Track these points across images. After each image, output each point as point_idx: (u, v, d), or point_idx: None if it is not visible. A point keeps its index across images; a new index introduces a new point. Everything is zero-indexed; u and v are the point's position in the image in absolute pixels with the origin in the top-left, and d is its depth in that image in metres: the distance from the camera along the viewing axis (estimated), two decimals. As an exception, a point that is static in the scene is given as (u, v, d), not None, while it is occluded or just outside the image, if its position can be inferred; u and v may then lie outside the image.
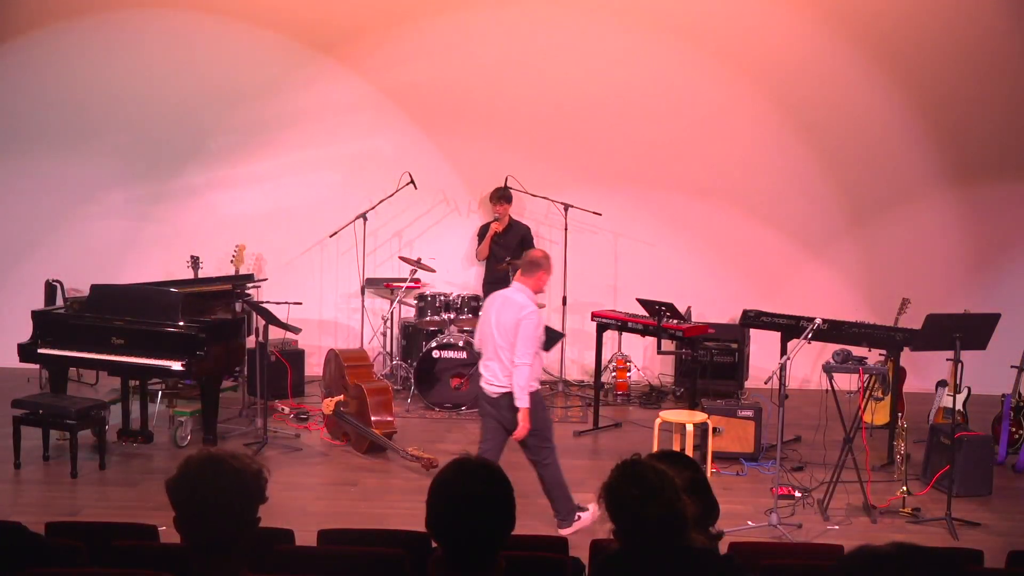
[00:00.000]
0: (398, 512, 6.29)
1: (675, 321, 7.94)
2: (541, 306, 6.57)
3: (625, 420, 8.63)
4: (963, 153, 9.79)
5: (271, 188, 10.01)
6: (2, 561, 3.25)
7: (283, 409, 8.57)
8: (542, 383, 9.52)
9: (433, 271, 9.38)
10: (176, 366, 7.17)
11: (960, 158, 9.80)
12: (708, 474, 6.65)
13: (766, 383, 6.53)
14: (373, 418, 7.57)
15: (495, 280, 9.29)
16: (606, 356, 9.18)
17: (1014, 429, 7.59)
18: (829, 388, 6.51)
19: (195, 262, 9.03)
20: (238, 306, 7.91)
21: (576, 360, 9.91)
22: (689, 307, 8.72)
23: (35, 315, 7.63)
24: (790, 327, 7.75)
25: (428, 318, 9.01)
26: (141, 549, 4.14)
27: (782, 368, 6.37)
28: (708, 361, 8.77)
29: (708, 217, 9.88)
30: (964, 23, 9.61)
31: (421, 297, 9.19)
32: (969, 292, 9.48)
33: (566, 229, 9.55)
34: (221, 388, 7.71)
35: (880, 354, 7.95)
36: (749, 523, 6.22)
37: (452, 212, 10.03)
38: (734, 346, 9.21)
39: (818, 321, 6.78)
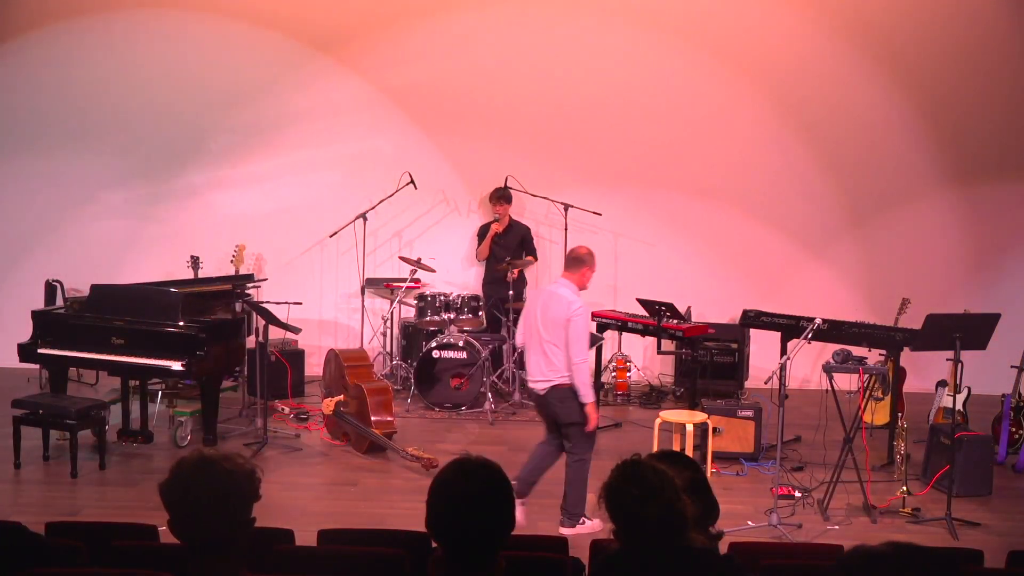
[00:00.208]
0: (398, 512, 6.29)
1: (675, 321, 7.95)
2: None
3: (625, 420, 8.63)
4: (963, 153, 9.79)
5: (271, 188, 10.01)
6: (2, 561, 3.25)
7: (283, 409, 8.57)
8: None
9: (433, 271, 9.38)
10: (176, 366, 7.17)
11: (960, 158, 9.80)
12: (708, 474, 6.65)
13: (766, 383, 6.53)
14: (373, 418, 7.57)
15: (495, 280, 9.30)
16: (606, 356, 9.19)
17: (1014, 429, 7.59)
18: (829, 388, 6.51)
19: (195, 262, 9.04)
20: (238, 306, 7.90)
21: (576, 360, 9.90)
22: (689, 307, 8.72)
23: (35, 315, 7.63)
24: (790, 327, 7.75)
25: (428, 318, 9.01)
26: (141, 549, 4.14)
27: (782, 368, 6.36)
28: (708, 361, 8.78)
29: (708, 217, 9.89)
30: (964, 23, 9.61)
31: (421, 297, 9.19)
32: (969, 292, 9.48)
33: (566, 229, 9.55)
34: (221, 388, 7.71)
35: (880, 354, 7.95)
36: (749, 523, 6.22)
37: (452, 212, 10.03)
38: (734, 346, 9.21)
39: (818, 321, 6.78)
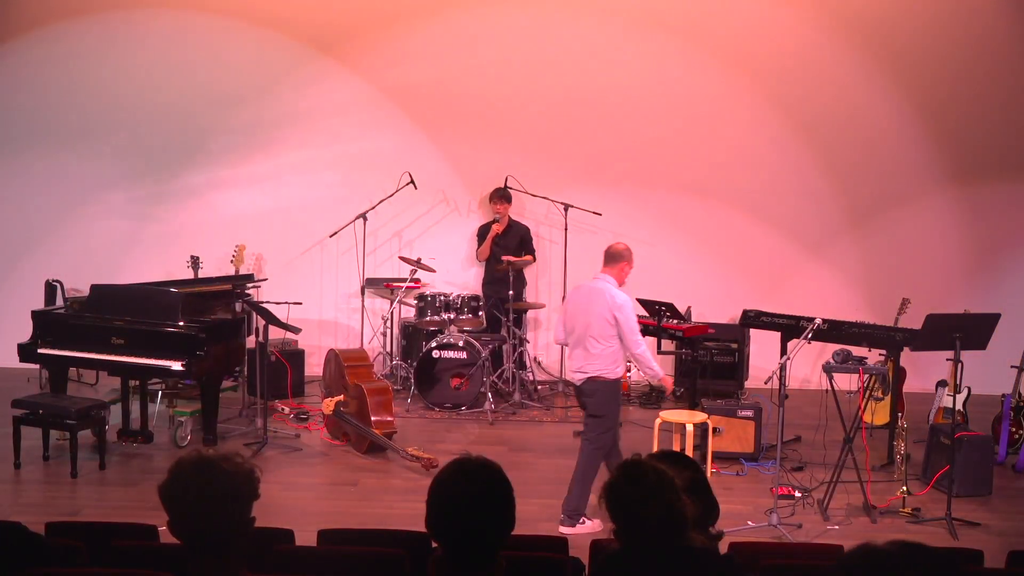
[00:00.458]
0: (398, 512, 6.29)
1: (675, 321, 7.94)
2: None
3: (625, 420, 8.58)
4: (963, 153, 9.79)
5: (271, 188, 10.01)
6: (2, 561, 3.25)
7: (283, 409, 8.57)
8: (543, 383, 9.60)
9: (433, 271, 9.38)
10: (176, 366, 7.17)
11: (960, 158, 9.80)
12: (708, 474, 6.65)
13: (766, 383, 6.52)
14: (373, 418, 7.57)
15: (495, 280, 9.30)
16: (606, 356, 9.17)
17: (1014, 429, 7.59)
18: (829, 388, 6.51)
19: (195, 262, 9.04)
20: (238, 306, 7.90)
21: (576, 360, 9.90)
22: (689, 307, 8.72)
23: (35, 315, 7.63)
24: (790, 327, 7.75)
25: (428, 318, 9.01)
26: (141, 549, 4.14)
27: (782, 368, 6.36)
28: (708, 361, 8.77)
29: (708, 217, 9.89)
30: (964, 23, 9.61)
31: (421, 297, 9.19)
32: (969, 292, 9.48)
33: (566, 229, 9.55)
34: (221, 388, 7.71)
35: (880, 354, 7.95)
36: (749, 523, 6.22)
37: (452, 212, 10.03)
38: (734, 346, 9.21)
39: (818, 321, 6.77)
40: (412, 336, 9.32)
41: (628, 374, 9.42)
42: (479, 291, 9.49)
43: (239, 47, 9.86)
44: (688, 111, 9.84)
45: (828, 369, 6.63)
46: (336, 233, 9.58)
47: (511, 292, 8.88)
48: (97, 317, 7.41)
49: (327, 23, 9.83)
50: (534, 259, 9.63)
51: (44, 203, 10.02)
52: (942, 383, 7.90)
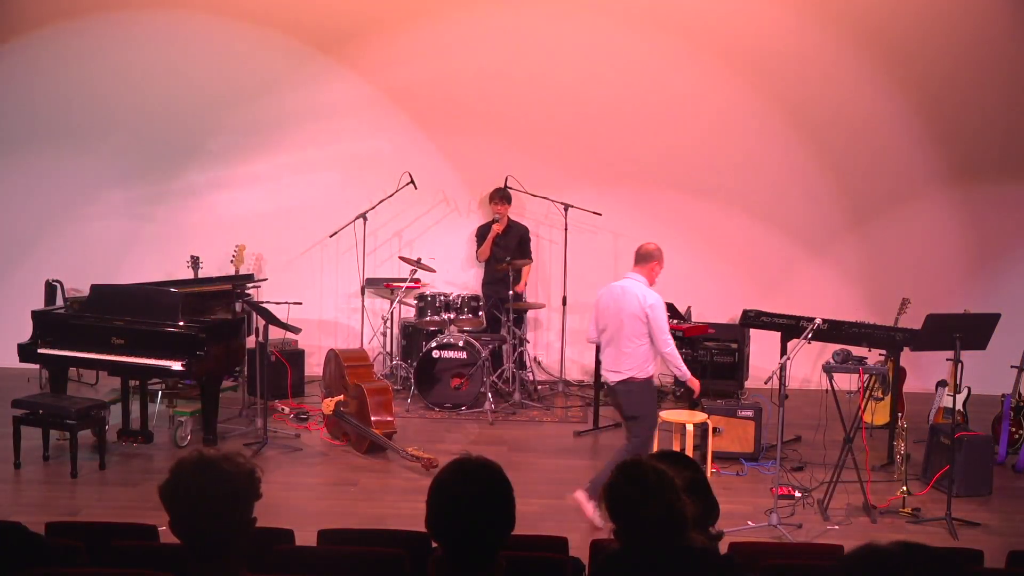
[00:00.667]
0: (398, 512, 6.29)
1: (675, 321, 7.95)
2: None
3: (625, 420, 8.62)
4: (963, 153, 9.79)
5: (271, 188, 10.01)
6: (2, 561, 3.24)
7: (283, 409, 8.57)
8: (543, 383, 9.60)
9: (433, 271, 9.38)
10: (176, 366, 7.17)
11: (960, 158, 9.80)
12: (708, 474, 6.65)
13: (766, 383, 6.52)
14: (373, 418, 7.57)
15: (495, 280, 9.30)
16: (606, 356, 9.17)
17: (1014, 429, 7.59)
18: (829, 388, 6.51)
19: (195, 262, 9.04)
20: (238, 306, 7.90)
21: (576, 360, 9.91)
22: (689, 307, 8.72)
23: (35, 315, 7.63)
24: (790, 327, 7.75)
25: (428, 318, 9.01)
26: (141, 549, 4.14)
27: (782, 368, 6.36)
28: (708, 361, 8.77)
29: (708, 217, 9.88)
30: (965, 24, 9.61)
31: (421, 297, 9.19)
32: (969, 292, 9.48)
33: (566, 229, 9.55)
34: (221, 388, 7.71)
35: (880, 354, 7.95)
36: (749, 523, 6.22)
37: (452, 212, 10.04)
38: (734, 346, 9.20)
39: (818, 321, 6.77)
40: (412, 336, 9.32)
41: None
42: (479, 291, 9.49)
43: (239, 47, 9.86)
44: (688, 111, 9.84)
45: (828, 369, 6.63)
46: (336, 233, 9.58)
47: (511, 292, 8.88)
48: (97, 317, 7.41)
49: (327, 23, 9.83)
50: (531, 261, 9.63)
51: (44, 203, 10.02)
52: (942, 383, 7.90)
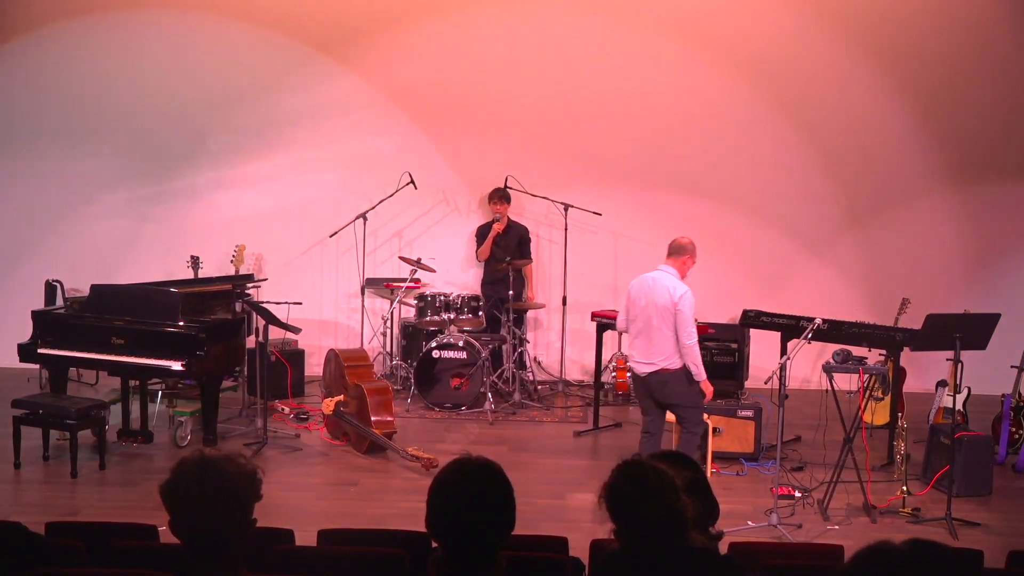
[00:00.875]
0: (398, 512, 6.29)
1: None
2: None
3: (625, 420, 8.62)
4: (963, 153, 9.79)
5: (271, 188, 10.01)
6: (2, 561, 3.25)
7: (283, 409, 8.57)
8: (543, 383, 9.60)
9: (433, 271, 9.38)
10: (176, 366, 7.16)
11: (960, 158, 9.80)
12: (708, 474, 6.65)
13: (766, 383, 6.52)
14: (373, 418, 7.57)
15: (495, 280, 9.30)
16: (606, 356, 9.18)
17: (1014, 429, 7.59)
18: (829, 388, 6.51)
19: (195, 262, 9.04)
20: (238, 306, 7.90)
21: (576, 360, 9.92)
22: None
23: (35, 315, 7.63)
24: (790, 327, 7.75)
25: (428, 318, 9.01)
26: (141, 549, 4.14)
27: (782, 368, 6.36)
28: (708, 361, 8.74)
29: (708, 217, 9.87)
30: (965, 24, 9.61)
31: (421, 297, 9.19)
32: (969, 292, 9.48)
33: (566, 229, 9.55)
34: (221, 388, 7.71)
35: (880, 354, 7.95)
36: (749, 523, 6.22)
37: (452, 212, 10.03)
38: (734, 346, 9.20)
39: (818, 321, 6.77)
40: (412, 336, 9.32)
41: (628, 374, 9.43)
42: (479, 291, 9.49)
43: (239, 47, 9.86)
44: (689, 111, 9.84)
45: (828, 369, 6.63)
46: (336, 233, 9.58)
47: (511, 292, 8.88)
48: (97, 317, 7.41)
49: (327, 23, 9.83)
50: (531, 262, 9.63)
51: (44, 203, 10.02)
52: (942, 383, 7.90)
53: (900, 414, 7.08)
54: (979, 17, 9.61)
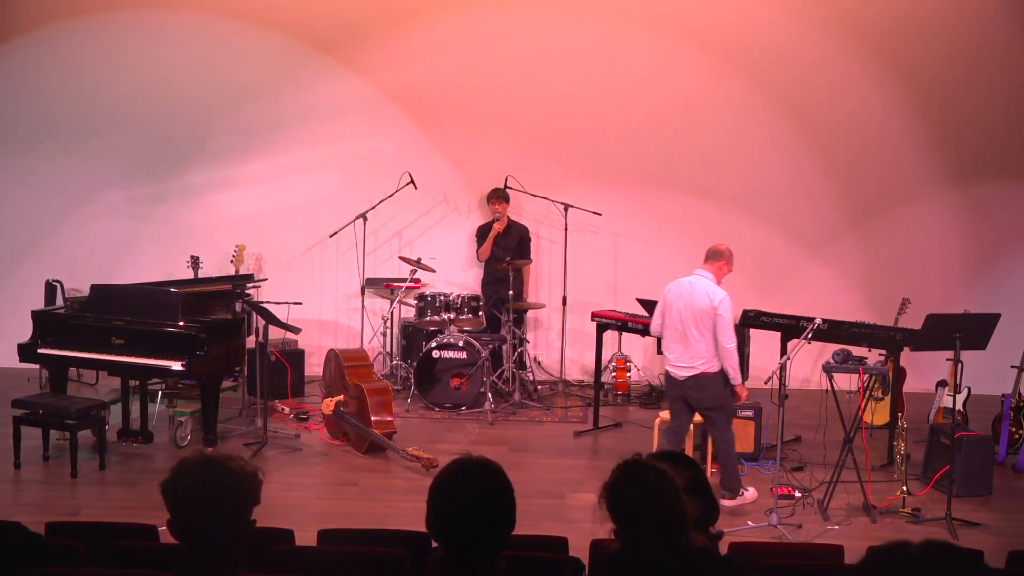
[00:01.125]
0: (398, 512, 6.29)
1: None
2: None
3: (625, 420, 8.63)
4: (963, 153, 9.79)
5: (271, 188, 10.01)
6: (2, 561, 3.25)
7: (283, 409, 8.57)
8: (543, 383, 9.60)
9: (433, 271, 9.38)
10: (176, 366, 7.16)
11: (960, 158, 9.80)
12: (708, 474, 6.65)
13: (766, 383, 6.53)
14: (373, 418, 7.57)
15: (495, 280, 9.30)
16: (606, 356, 9.18)
17: (1014, 429, 7.59)
18: (829, 388, 6.51)
19: (195, 262, 9.04)
20: (238, 306, 7.90)
21: (576, 360, 9.92)
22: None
23: (35, 315, 7.63)
24: (790, 327, 7.76)
25: (428, 318, 9.01)
26: (141, 549, 4.14)
27: (782, 368, 6.37)
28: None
29: (708, 217, 9.87)
30: (965, 23, 9.61)
31: (421, 297, 9.19)
32: (969, 292, 9.48)
33: (566, 229, 9.55)
34: (221, 388, 7.70)
35: (880, 354, 7.95)
36: (749, 523, 6.22)
37: (452, 212, 10.03)
38: (734, 346, 9.19)
39: (818, 321, 6.78)
40: (412, 336, 9.32)
41: (628, 374, 9.43)
42: (479, 291, 9.49)
43: (239, 47, 9.85)
44: (688, 111, 9.84)
45: (828, 369, 6.63)
46: (336, 233, 9.58)
47: (511, 292, 8.88)
48: (97, 317, 7.41)
49: (327, 23, 9.83)
50: (531, 262, 9.63)
51: (44, 203, 10.02)
52: (942, 383, 7.90)
53: (900, 414, 7.08)
54: (980, 19, 9.61)
